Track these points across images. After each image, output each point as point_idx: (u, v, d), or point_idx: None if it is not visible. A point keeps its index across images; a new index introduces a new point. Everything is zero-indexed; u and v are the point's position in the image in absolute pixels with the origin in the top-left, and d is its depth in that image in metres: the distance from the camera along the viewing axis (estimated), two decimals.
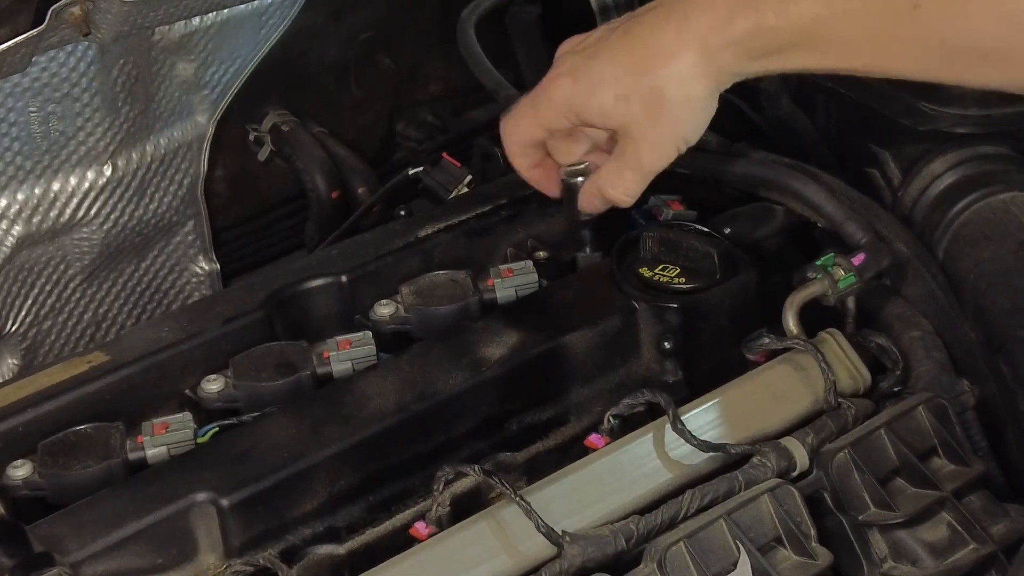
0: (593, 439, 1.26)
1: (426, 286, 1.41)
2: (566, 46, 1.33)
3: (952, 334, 1.39)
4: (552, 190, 1.38)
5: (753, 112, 1.65)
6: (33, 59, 1.45)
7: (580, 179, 1.36)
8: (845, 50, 1.18)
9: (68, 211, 1.61)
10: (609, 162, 1.30)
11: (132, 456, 1.25)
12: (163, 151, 1.67)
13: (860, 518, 1.23)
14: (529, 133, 1.34)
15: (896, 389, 1.35)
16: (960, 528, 1.24)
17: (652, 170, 1.28)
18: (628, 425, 1.26)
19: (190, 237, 1.78)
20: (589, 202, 1.34)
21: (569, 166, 1.36)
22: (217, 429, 1.28)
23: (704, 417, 1.26)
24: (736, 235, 1.43)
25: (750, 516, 1.17)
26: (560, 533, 1.14)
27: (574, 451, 1.28)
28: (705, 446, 1.22)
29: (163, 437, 1.26)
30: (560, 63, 1.31)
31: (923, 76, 1.20)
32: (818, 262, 1.35)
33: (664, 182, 1.49)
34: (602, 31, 1.29)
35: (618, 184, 1.30)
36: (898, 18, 1.13)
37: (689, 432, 1.21)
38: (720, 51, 1.20)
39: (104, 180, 1.62)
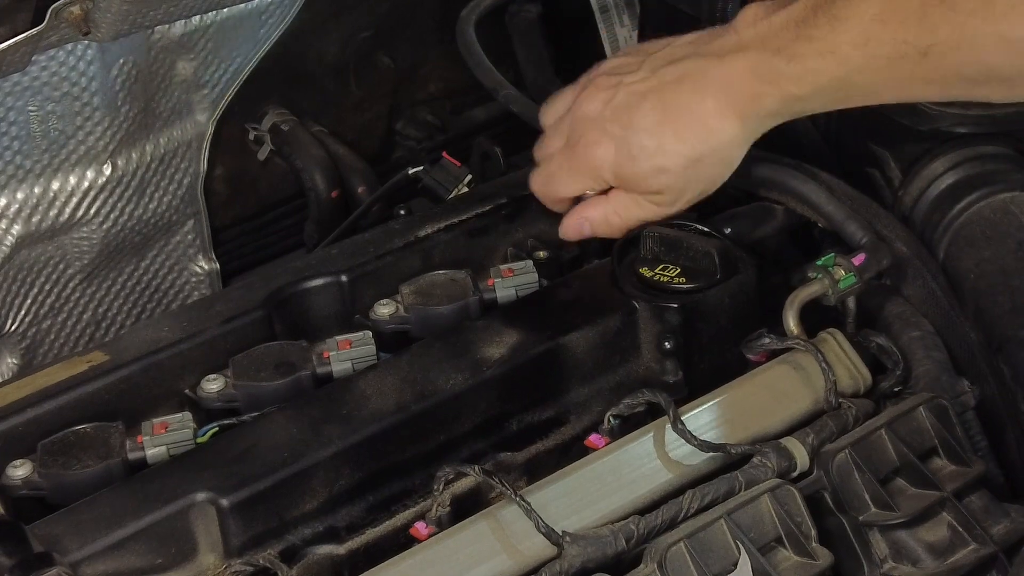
0: (593, 439, 1.26)
1: (426, 286, 1.41)
2: (590, 104, 1.36)
3: (952, 334, 1.39)
4: None
5: None
6: (33, 58, 1.45)
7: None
8: (868, 96, 1.25)
9: (68, 210, 1.61)
10: (623, 195, 1.36)
11: (132, 456, 1.25)
12: (163, 150, 1.67)
13: (860, 518, 1.23)
14: (567, 191, 1.40)
15: (896, 389, 1.35)
16: (961, 528, 1.24)
17: (662, 217, 1.37)
18: (628, 425, 1.26)
19: (190, 236, 1.78)
20: (579, 224, 1.40)
21: None
22: (217, 429, 1.28)
23: (704, 417, 1.26)
24: (736, 235, 1.43)
25: (750, 516, 1.17)
26: (560, 533, 1.14)
27: (574, 451, 1.28)
28: (705, 446, 1.22)
29: (163, 437, 1.26)
30: (592, 127, 1.35)
31: (951, 99, 1.29)
32: (818, 262, 1.35)
33: None
34: (639, 85, 1.33)
35: (628, 217, 1.37)
36: (910, 66, 1.16)
37: (689, 432, 1.21)
38: (758, 120, 1.28)
39: (104, 179, 1.62)
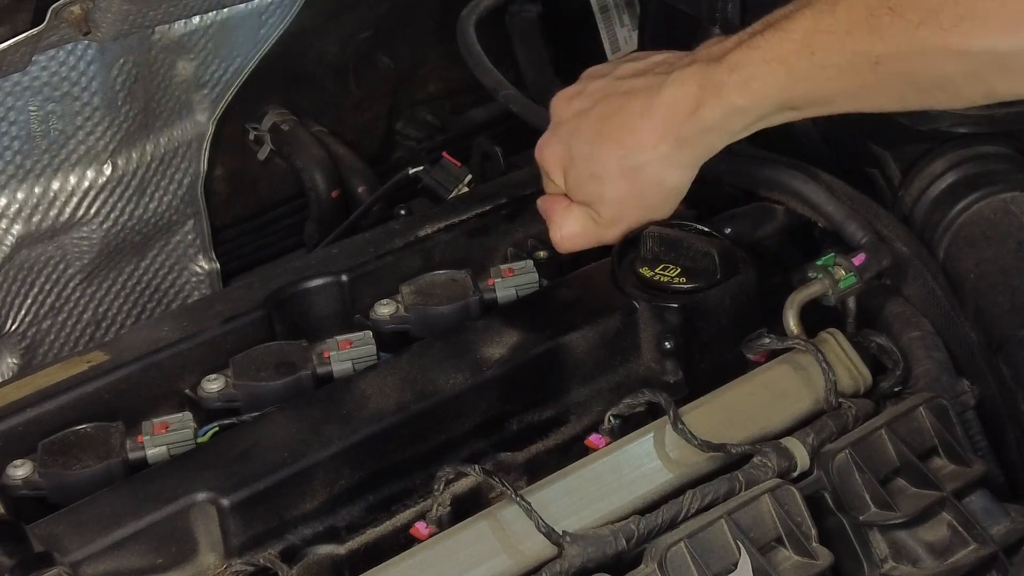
0: (593, 439, 1.26)
1: (426, 286, 1.41)
2: (560, 104, 1.37)
3: (952, 334, 1.39)
4: None
5: None
6: (33, 58, 1.45)
7: None
8: (819, 106, 1.23)
9: (68, 210, 1.61)
10: (574, 208, 1.35)
11: (132, 456, 1.25)
12: (163, 150, 1.67)
13: (861, 518, 1.23)
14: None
15: (896, 389, 1.35)
16: (961, 528, 1.24)
17: (603, 241, 1.37)
18: (628, 425, 1.26)
19: (190, 236, 1.78)
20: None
21: None
22: (217, 429, 1.28)
23: (704, 417, 1.26)
24: (736, 235, 1.43)
25: (751, 516, 1.17)
26: (560, 533, 1.14)
27: (574, 451, 1.28)
28: (706, 446, 1.22)
29: (163, 437, 1.26)
30: (551, 129, 1.36)
31: (907, 108, 1.26)
32: (818, 262, 1.35)
33: None
34: (596, 93, 1.33)
35: (566, 231, 1.36)
36: (862, 76, 1.16)
37: (690, 432, 1.21)
38: (696, 139, 1.26)
39: (104, 179, 1.62)
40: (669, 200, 1.32)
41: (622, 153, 1.28)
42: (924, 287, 1.41)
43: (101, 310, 1.73)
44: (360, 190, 1.84)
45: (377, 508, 1.23)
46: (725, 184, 1.51)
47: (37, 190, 1.58)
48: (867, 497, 1.24)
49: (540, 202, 1.40)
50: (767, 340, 1.33)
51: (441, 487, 1.17)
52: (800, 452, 1.24)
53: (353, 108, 1.94)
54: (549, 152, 1.35)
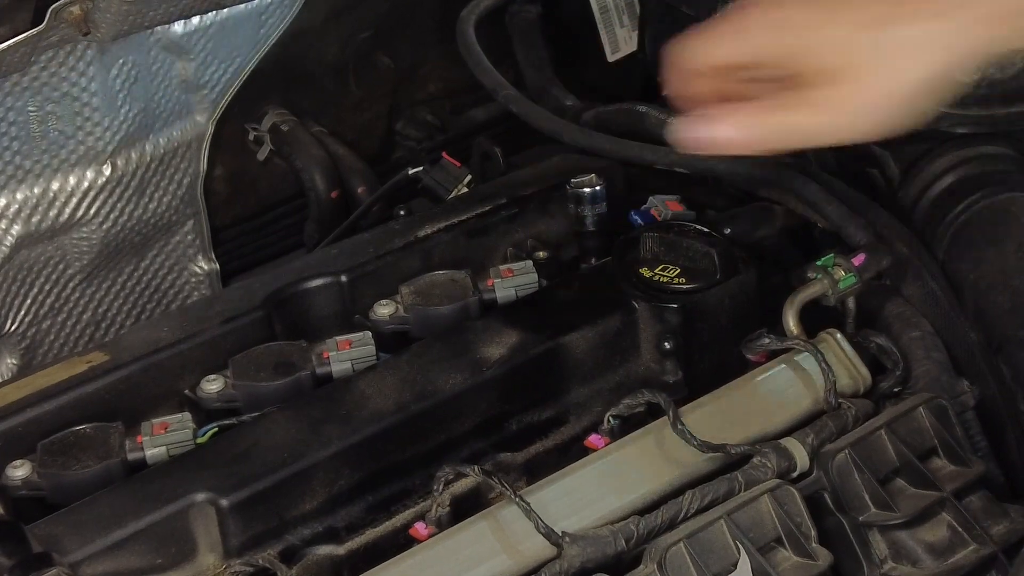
0: (593, 439, 1.26)
1: (426, 286, 1.41)
2: None
3: (952, 334, 1.39)
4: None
5: None
6: (33, 58, 1.45)
7: (587, 190, 1.43)
8: None
9: (67, 211, 1.61)
10: (797, 96, 1.01)
11: (131, 456, 1.25)
12: (162, 151, 1.67)
13: (860, 519, 1.23)
14: (728, 54, 1.07)
15: (896, 389, 1.35)
16: (960, 529, 1.24)
17: (851, 128, 1.02)
18: (628, 425, 1.26)
19: (189, 237, 1.78)
20: (709, 130, 1.04)
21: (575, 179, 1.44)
22: (216, 429, 1.28)
23: (704, 417, 1.26)
24: (736, 235, 1.43)
25: (750, 517, 1.17)
26: (560, 533, 1.14)
27: (574, 451, 1.28)
28: (705, 446, 1.22)
29: (162, 437, 1.26)
30: None
31: None
32: (818, 262, 1.35)
33: (664, 182, 1.49)
34: None
35: (771, 120, 1.03)
36: None
37: (689, 432, 1.21)
38: (982, 21, 0.98)
39: (103, 180, 1.62)
40: (926, 90, 0.99)
41: (897, 15, 0.98)
42: (924, 287, 1.41)
43: (101, 310, 1.73)
44: (360, 190, 1.84)
45: (376, 508, 1.23)
46: (725, 184, 1.51)
47: (37, 190, 1.58)
48: (867, 497, 1.24)
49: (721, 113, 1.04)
50: (767, 340, 1.33)
51: (440, 487, 1.17)
52: (800, 452, 1.24)
53: (353, 108, 1.93)
54: (779, 11, 1.03)
